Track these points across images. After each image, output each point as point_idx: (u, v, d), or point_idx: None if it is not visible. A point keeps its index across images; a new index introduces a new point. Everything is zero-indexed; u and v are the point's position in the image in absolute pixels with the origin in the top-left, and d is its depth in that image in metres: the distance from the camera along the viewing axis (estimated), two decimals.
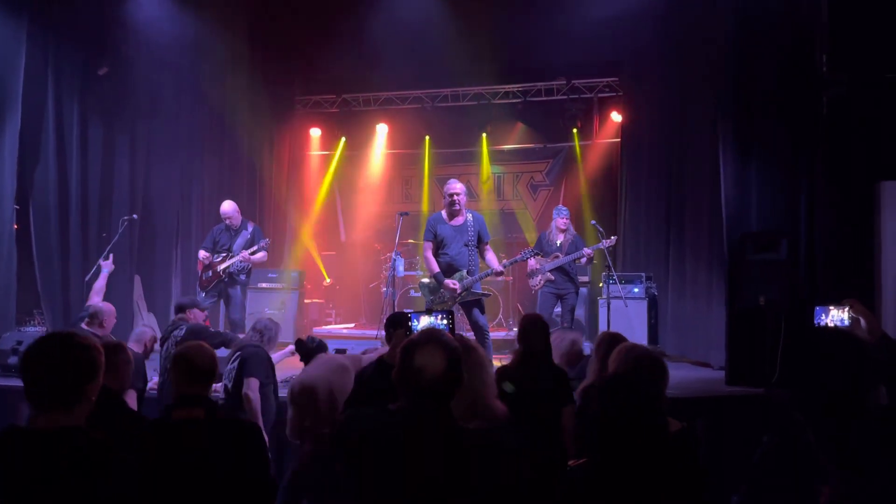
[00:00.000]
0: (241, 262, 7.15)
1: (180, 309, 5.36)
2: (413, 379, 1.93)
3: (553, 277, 7.22)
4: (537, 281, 7.31)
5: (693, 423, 3.89)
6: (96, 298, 6.24)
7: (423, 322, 2.34)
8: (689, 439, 2.33)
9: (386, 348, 3.28)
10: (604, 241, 7.09)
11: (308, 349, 4.17)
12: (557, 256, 7.24)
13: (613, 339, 3.38)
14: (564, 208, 7.62)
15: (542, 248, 7.36)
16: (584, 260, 7.29)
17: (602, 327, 7.31)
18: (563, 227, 7.37)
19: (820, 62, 5.78)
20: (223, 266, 7.10)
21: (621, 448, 1.87)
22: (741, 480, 4.12)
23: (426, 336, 2.02)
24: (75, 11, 7.57)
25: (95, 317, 5.26)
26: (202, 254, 7.27)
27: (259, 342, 4.55)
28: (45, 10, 7.29)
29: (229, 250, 7.24)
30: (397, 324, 2.28)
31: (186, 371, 2.52)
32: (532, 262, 7.24)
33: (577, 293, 7.41)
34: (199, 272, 7.37)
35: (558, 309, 7.42)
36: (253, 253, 7.20)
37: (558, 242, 7.35)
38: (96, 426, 1.94)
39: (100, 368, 1.96)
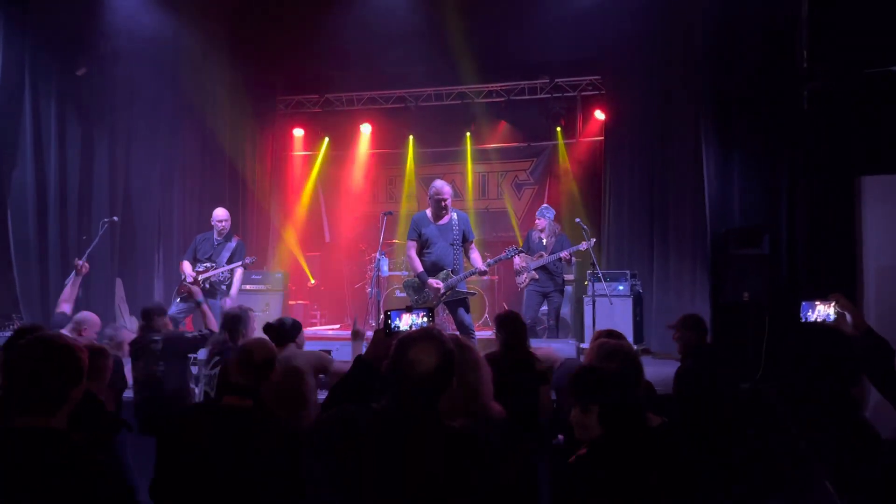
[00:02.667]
0: (222, 273, 7.09)
1: (148, 316, 4.88)
2: (404, 372, 1.93)
3: (538, 276, 7.38)
4: (523, 279, 7.51)
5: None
6: (65, 307, 5.87)
7: (404, 320, 2.32)
8: (671, 434, 2.31)
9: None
10: (583, 243, 7.19)
11: (278, 332, 3.92)
12: (542, 255, 7.40)
13: (608, 337, 3.41)
14: (548, 209, 7.69)
15: (529, 247, 7.51)
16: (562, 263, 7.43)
17: (588, 325, 7.33)
18: (541, 227, 7.54)
19: (800, 58, 5.82)
20: (205, 276, 7.01)
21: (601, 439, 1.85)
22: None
23: (423, 333, 2.04)
24: (53, 11, 7.46)
25: (80, 324, 5.02)
26: (186, 266, 7.14)
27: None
28: (21, 10, 7.18)
29: (210, 260, 7.14)
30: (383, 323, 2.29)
31: (245, 362, 2.67)
32: (518, 261, 7.44)
33: (560, 292, 7.56)
34: (181, 279, 7.28)
35: (545, 307, 7.54)
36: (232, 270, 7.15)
37: (543, 241, 7.49)
38: (76, 429, 1.93)
39: (84, 372, 1.94)
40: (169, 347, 4.73)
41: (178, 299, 7.03)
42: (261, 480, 2.36)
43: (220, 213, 7.29)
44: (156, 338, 4.73)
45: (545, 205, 8.02)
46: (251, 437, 2.43)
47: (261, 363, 2.70)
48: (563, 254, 7.29)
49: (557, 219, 7.85)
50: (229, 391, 2.61)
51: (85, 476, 1.80)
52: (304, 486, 2.44)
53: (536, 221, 7.62)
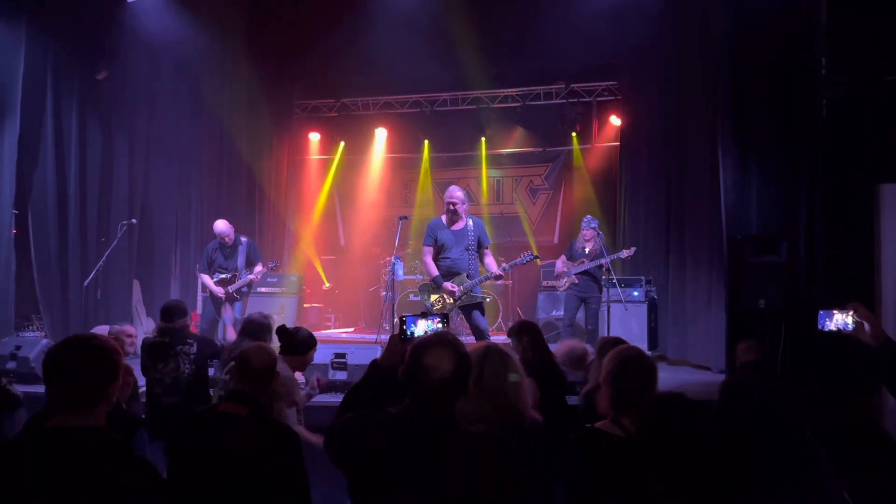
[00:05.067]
0: (248, 278, 7.17)
1: (168, 315, 4.64)
2: (420, 378, 1.93)
3: (578, 281, 7.47)
4: (563, 283, 7.58)
5: None
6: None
7: (420, 325, 2.33)
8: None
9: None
10: (623, 251, 7.24)
11: (288, 340, 3.79)
12: (583, 262, 7.47)
13: (615, 344, 3.41)
14: (593, 219, 7.74)
15: (571, 254, 7.60)
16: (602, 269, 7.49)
17: (602, 331, 7.32)
18: (588, 238, 7.62)
19: (819, 65, 5.78)
20: (234, 287, 7.08)
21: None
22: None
23: (437, 337, 2.04)
24: (75, 15, 7.56)
25: (121, 335, 4.71)
26: (208, 281, 7.18)
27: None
28: (44, 14, 7.28)
29: (226, 270, 7.17)
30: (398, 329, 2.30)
31: (243, 369, 2.68)
32: (559, 265, 7.56)
33: (600, 297, 7.55)
34: (206, 291, 7.31)
35: (580, 314, 7.60)
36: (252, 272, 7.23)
37: (586, 250, 7.62)
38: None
39: (120, 370, 2.00)
40: (201, 352, 4.60)
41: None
42: (255, 488, 2.34)
43: (221, 227, 7.19)
44: (189, 340, 4.58)
45: (589, 216, 8.03)
46: (244, 444, 2.41)
47: (259, 370, 2.68)
48: (604, 261, 7.32)
49: (571, 225, 7.87)
50: (228, 397, 2.60)
51: (127, 473, 1.84)
52: (307, 492, 2.43)
53: (584, 232, 7.64)
